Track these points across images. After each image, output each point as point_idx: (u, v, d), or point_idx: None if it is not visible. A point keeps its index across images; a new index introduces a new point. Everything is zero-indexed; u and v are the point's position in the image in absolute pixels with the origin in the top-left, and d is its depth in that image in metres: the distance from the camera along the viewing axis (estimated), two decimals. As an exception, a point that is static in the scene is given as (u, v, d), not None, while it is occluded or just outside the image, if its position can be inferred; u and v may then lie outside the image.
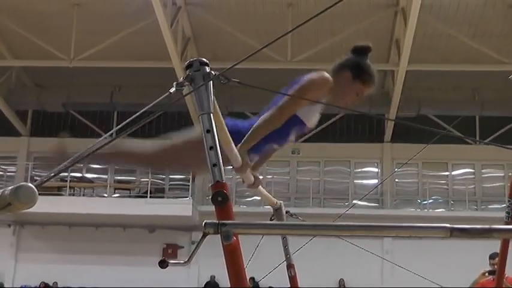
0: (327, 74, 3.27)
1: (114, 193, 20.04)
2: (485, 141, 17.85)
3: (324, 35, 16.22)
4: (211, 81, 2.24)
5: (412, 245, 17.58)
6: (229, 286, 2.05)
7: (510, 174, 19.44)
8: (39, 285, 18.89)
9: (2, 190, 1.71)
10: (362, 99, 3.44)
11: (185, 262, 2.08)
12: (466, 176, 20.39)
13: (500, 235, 2.37)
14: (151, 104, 2.18)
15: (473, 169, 20.40)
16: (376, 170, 20.55)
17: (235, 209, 2.13)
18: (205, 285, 18.80)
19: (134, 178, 20.72)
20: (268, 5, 16.32)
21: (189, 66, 2.27)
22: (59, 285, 18.84)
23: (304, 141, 19.90)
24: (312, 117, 3.40)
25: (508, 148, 2.55)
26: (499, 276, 4.99)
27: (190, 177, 19.16)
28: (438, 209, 19.89)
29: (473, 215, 18.43)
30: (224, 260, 2.03)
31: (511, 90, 17.46)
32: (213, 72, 2.26)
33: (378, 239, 17.52)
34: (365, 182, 20.39)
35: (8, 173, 20.73)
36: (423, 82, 18.79)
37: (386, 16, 16.57)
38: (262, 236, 2.74)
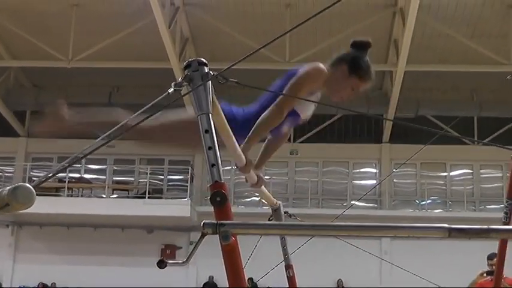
0: (321, 65, 3.29)
1: (113, 194, 20.00)
2: (484, 141, 17.87)
3: (322, 36, 16.22)
4: (209, 81, 2.24)
5: (411, 245, 17.58)
6: (228, 286, 2.05)
7: (508, 174, 19.39)
8: (38, 286, 18.86)
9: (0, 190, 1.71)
10: (358, 95, 3.44)
11: (183, 262, 2.07)
12: (464, 177, 20.39)
13: (498, 235, 2.37)
14: (149, 105, 2.17)
15: (472, 170, 20.39)
16: (374, 170, 20.54)
17: (233, 209, 2.13)
18: (203, 285, 18.78)
19: (132, 179, 20.71)
20: (267, 6, 16.32)
21: (188, 66, 2.26)
22: (57, 286, 18.81)
23: (303, 141, 19.93)
24: (306, 109, 3.41)
25: (506, 148, 2.55)
26: (497, 277, 4.99)
27: (189, 178, 19.17)
28: (436, 209, 19.88)
29: (472, 215, 18.45)
30: (222, 260, 2.03)
31: (509, 91, 17.51)
32: (211, 72, 2.26)
33: (376, 240, 17.55)
34: (363, 182, 20.37)
35: (6, 174, 20.70)
36: (421, 82, 18.80)
37: (385, 16, 16.56)
38: (260, 236, 2.74)
